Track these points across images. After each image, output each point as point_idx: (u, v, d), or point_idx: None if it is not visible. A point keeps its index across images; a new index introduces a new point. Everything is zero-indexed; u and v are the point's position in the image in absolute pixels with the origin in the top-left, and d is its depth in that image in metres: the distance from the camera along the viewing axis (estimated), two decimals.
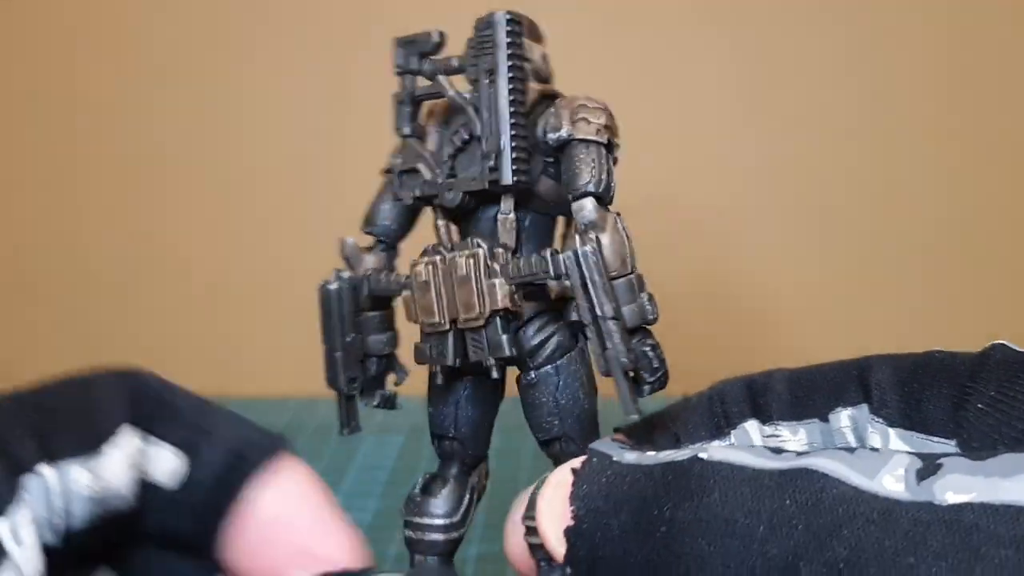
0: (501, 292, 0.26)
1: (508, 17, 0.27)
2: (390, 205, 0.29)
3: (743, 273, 0.80)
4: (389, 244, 0.30)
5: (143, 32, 0.81)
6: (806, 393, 0.26)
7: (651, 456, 0.23)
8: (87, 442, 0.23)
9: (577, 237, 0.26)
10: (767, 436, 0.27)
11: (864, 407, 0.25)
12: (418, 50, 0.29)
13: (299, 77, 0.80)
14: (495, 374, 0.27)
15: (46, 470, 0.22)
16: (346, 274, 0.29)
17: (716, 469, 0.21)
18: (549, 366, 0.28)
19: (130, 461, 0.23)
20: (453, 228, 0.29)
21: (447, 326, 0.27)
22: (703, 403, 0.28)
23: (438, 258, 0.27)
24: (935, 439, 0.24)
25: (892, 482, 0.19)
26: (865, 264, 0.79)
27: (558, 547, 0.23)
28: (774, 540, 0.19)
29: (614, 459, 0.23)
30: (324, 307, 0.29)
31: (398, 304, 0.29)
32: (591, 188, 0.27)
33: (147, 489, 0.24)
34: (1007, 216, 0.78)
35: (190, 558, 0.26)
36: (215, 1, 0.80)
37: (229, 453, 0.25)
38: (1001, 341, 0.25)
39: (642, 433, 0.27)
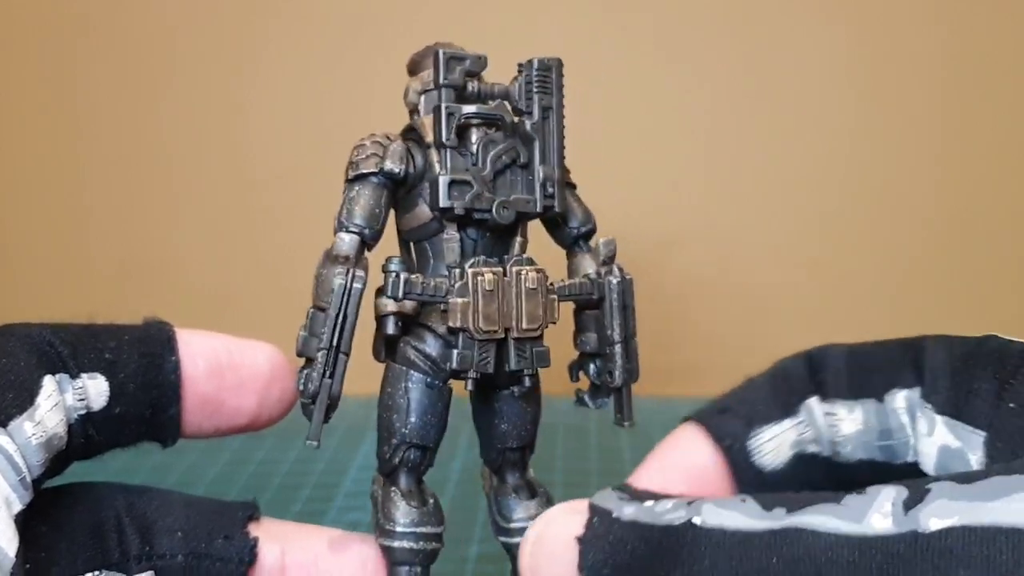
0: (558, 307, 0.29)
1: (561, 63, 0.30)
2: (381, 210, 0.29)
3: (744, 272, 0.80)
4: (369, 248, 0.30)
5: (142, 31, 0.81)
6: (864, 371, 0.27)
7: (649, 512, 0.23)
8: (24, 398, 0.24)
9: (603, 266, 0.30)
10: (825, 414, 0.27)
11: (918, 390, 0.25)
12: (465, 68, 0.30)
13: (305, 76, 0.80)
14: (528, 383, 0.29)
15: (2, 438, 0.23)
16: (362, 273, 0.28)
17: (708, 536, 0.22)
18: (533, 377, 0.30)
19: (56, 404, 0.25)
20: (479, 243, 0.30)
21: (502, 335, 0.28)
22: (767, 383, 0.28)
23: (499, 270, 0.28)
24: (979, 431, 0.24)
25: (880, 519, 0.20)
26: (865, 265, 0.79)
27: None
28: None
29: (614, 515, 0.23)
30: (344, 307, 0.28)
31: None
32: (593, 224, 0.31)
33: (88, 419, 0.26)
34: (1007, 217, 0.78)
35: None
36: (215, 1, 0.80)
37: (139, 355, 0.28)
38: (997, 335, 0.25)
39: (715, 415, 0.28)
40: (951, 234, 0.78)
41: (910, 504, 0.20)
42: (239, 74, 0.81)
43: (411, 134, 0.30)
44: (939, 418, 0.25)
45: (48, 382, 0.25)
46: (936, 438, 0.25)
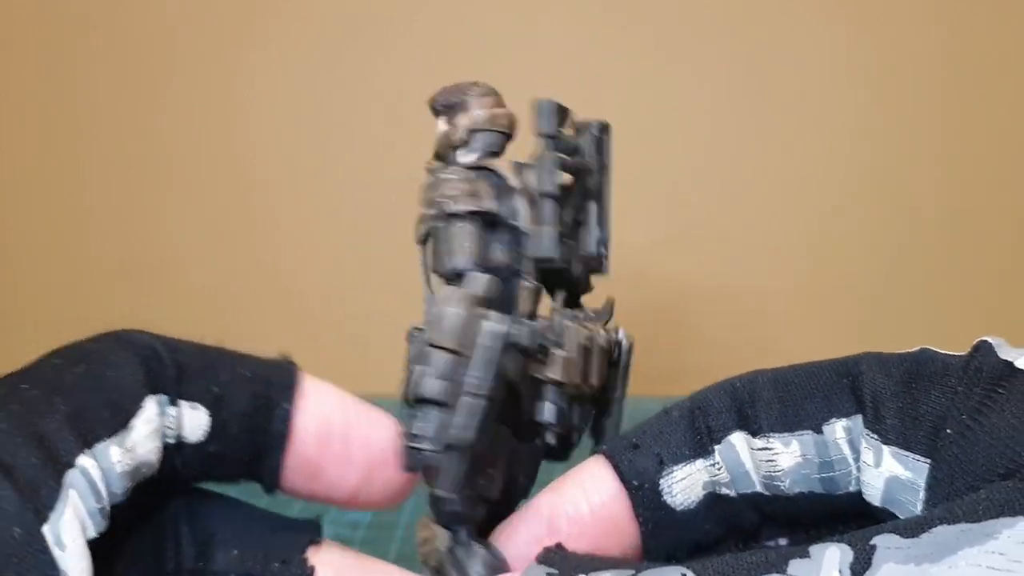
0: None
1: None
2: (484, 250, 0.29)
3: (744, 272, 0.80)
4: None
5: (142, 31, 0.81)
6: (796, 401, 0.25)
7: None
8: (118, 420, 0.23)
9: (610, 328, 0.30)
10: (757, 449, 0.25)
11: (859, 419, 0.24)
12: (560, 119, 0.29)
13: (306, 76, 0.80)
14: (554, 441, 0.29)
15: (86, 460, 0.22)
16: (507, 318, 0.26)
17: None
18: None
19: (154, 429, 0.23)
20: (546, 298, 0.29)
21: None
22: (684, 418, 0.26)
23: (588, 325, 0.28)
24: (924, 459, 0.23)
25: None
26: (866, 266, 0.79)
27: None
28: None
29: None
30: (490, 356, 0.26)
31: None
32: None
33: (178, 449, 0.25)
34: (1009, 218, 0.78)
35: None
36: (215, 2, 0.80)
37: (251, 396, 0.25)
38: (988, 339, 0.24)
39: (626, 451, 0.26)
40: (953, 235, 0.78)
41: (857, 570, 0.19)
42: (239, 74, 0.81)
43: (484, 173, 0.29)
44: (886, 448, 0.23)
45: (150, 404, 0.23)
46: (884, 469, 0.24)
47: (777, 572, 0.19)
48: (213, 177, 0.82)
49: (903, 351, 0.25)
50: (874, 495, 0.24)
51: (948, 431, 0.22)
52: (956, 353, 0.24)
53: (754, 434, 0.25)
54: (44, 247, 0.84)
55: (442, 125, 0.29)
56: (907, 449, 0.23)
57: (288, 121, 0.81)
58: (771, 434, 0.25)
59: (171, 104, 0.81)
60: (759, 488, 0.25)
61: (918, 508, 0.23)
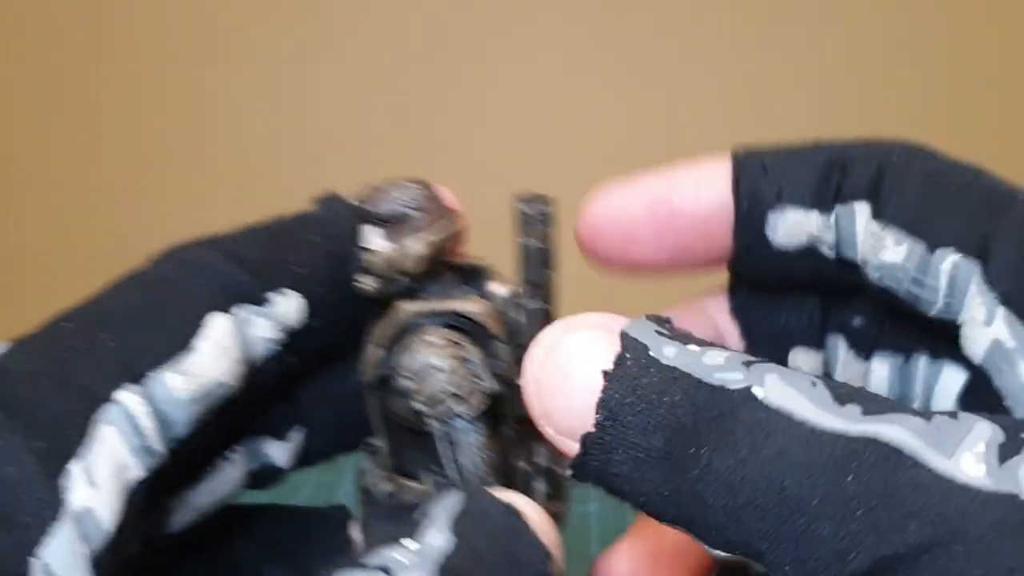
0: None
1: None
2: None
3: None
4: None
5: (142, 31, 0.81)
6: (931, 207, 0.23)
7: (696, 361, 0.19)
8: (175, 344, 0.21)
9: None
10: (872, 233, 0.23)
11: (976, 264, 0.22)
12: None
13: (306, 76, 0.80)
14: None
15: (125, 395, 0.20)
16: None
17: (770, 419, 0.18)
18: None
19: (224, 347, 0.22)
20: None
21: None
22: (821, 165, 0.25)
23: None
24: None
25: (971, 462, 0.17)
26: None
27: (564, 444, 0.20)
28: (826, 520, 0.17)
29: (651, 354, 0.19)
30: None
31: None
32: None
33: (280, 347, 0.23)
34: None
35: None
36: (214, 3, 0.80)
37: (327, 255, 0.25)
38: None
39: (754, 168, 0.24)
40: None
41: (1006, 453, 0.17)
42: (239, 74, 0.81)
43: (472, 328, 0.25)
44: (1001, 310, 0.21)
45: (215, 322, 0.22)
46: (992, 330, 0.21)
47: (919, 417, 0.17)
48: (214, 178, 0.82)
49: None
50: (975, 352, 0.22)
51: None
52: None
53: (875, 215, 0.23)
54: (44, 246, 0.84)
55: (381, 242, 0.25)
56: (1021, 318, 0.21)
57: (289, 122, 0.81)
58: (891, 225, 0.23)
59: (172, 104, 0.81)
60: (859, 261, 0.24)
61: (1016, 377, 0.21)
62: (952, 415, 0.18)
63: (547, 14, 0.78)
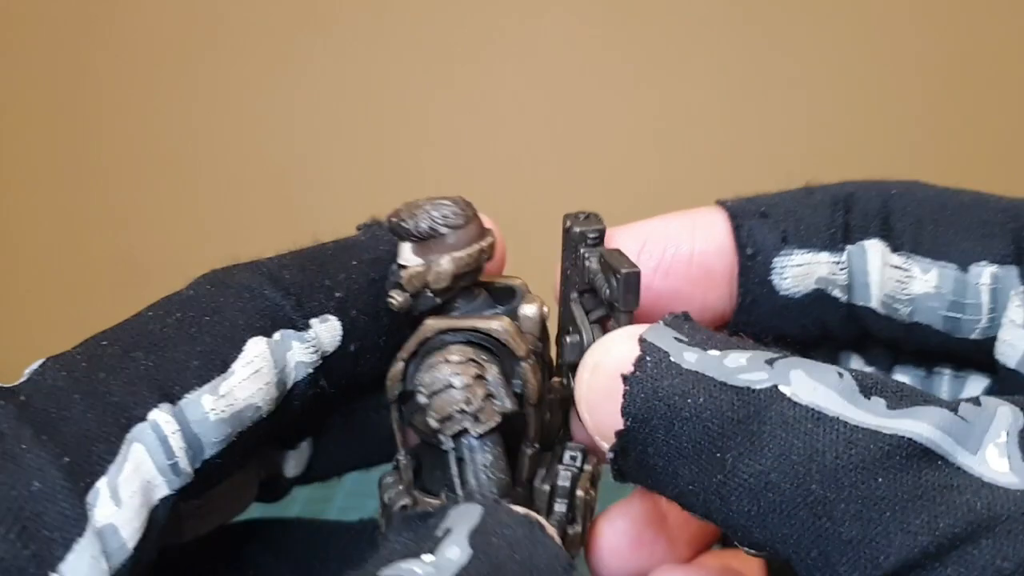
0: None
1: None
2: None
3: None
4: None
5: (142, 32, 0.81)
6: (951, 230, 0.23)
7: (718, 365, 0.19)
8: (212, 367, 0.21)
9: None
10: (893, 265, 0.23)
11: (1014, 271, 0.22)
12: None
13: (307, 77, 0.80)
14: None
15: (158, 414, 0.20)
16: None
17: (798, 415, 0.17)
18: None
19: (258, 370, 0.22)
20: None
21: None
22: (826, 205, 0.24)
23: None
24: None
25: (995, 456, 0.16)
26: None
27: (602, 441, 0.21)
28: (855, 522, 0.17)
29: (672, 360, 0.19)
30: None
31: None
32: None
33: (317, 370, 0.23)
34: None
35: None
36: (214, 4, 0.80)
37: (369, 283, 0.24)
38: None
39: (752, 217, 0.24)
40: None
41: None
42: (239, 74, 0.80)
43: (496, 347, 0.25)
44: None
45: (253, 346, 0.22)
46: None
47: (945, 408, 0.17)
48: (214, 178, 0.82)
49: None
50: (1010, 356, 0.22)
51: None
52: None
53: (895, 249, 0.23)
54: (44, 246, 0.84)
55: (413, 256, 0.25)
56: None
57: (289, 122, 0.81)
58: (914, 255, 0.23)
59: (172, 104, 0.81)
60: (874, 304, 0.23)
61: None
62: (975, 401, 0.17)
63: (553, 17, 0.78)
